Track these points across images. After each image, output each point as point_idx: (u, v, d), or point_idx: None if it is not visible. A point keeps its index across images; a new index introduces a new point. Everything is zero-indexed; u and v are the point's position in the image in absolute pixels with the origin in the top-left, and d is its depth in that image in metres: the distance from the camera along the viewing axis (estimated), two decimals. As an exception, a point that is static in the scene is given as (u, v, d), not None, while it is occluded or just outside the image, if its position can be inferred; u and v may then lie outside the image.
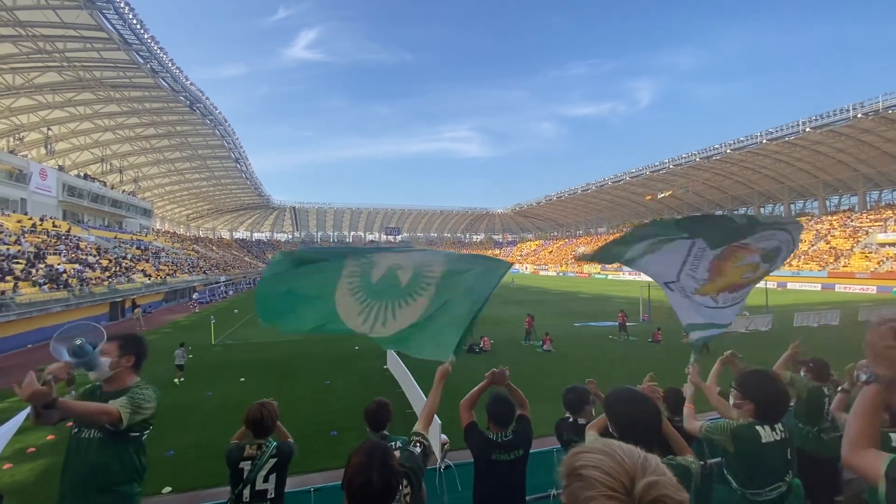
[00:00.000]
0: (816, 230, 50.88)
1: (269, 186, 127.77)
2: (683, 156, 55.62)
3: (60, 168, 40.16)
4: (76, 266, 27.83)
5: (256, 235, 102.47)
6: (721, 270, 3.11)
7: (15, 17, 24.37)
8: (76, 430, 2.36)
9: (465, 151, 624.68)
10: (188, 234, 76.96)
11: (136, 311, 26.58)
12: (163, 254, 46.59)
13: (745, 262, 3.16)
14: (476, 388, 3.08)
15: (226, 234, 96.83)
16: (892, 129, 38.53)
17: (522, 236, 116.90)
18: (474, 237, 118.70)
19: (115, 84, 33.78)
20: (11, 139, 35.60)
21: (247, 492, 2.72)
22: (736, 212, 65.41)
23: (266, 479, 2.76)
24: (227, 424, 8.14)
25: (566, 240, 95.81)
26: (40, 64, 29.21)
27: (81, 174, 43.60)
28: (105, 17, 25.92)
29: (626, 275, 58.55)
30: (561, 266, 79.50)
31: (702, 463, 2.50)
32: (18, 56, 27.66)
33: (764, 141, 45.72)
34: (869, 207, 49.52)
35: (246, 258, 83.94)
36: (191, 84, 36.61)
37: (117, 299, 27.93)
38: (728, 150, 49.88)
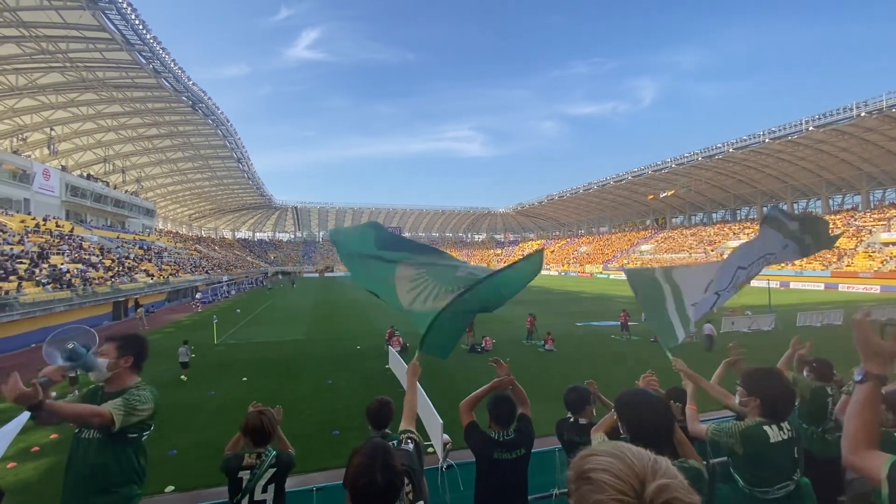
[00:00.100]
0: (819, 229, 50.64)
1: (271, 186, 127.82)
2: (686, 155, 55.46)
3: (63, 168, 40.35)
4: (79, 266, 27.94)
5: (258, 235, 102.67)
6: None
7: (18, 18, 24.48)
8: (77, 431, 2.37)
9: (467, 151, 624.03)
10: (190, 234, 77.21)
11: (138, 310, 26.71)
12: (165, 254, 46.75)
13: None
14: (479, 391, 3.07)
15: (228, 234, 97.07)
16: (895, 127, 38.34)
17: (524, 236, 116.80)
18: (476, 237, 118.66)
19: (117, 84, 33.90)
20: (15, 139, 35.77)
21: (245, 501, 2.68)
22: (731, 213, 65.30)
23: (265, 490, 2.70)
24: (230, 424, 8.16)
25: (568, 239, 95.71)
26: (43, 65, 29.33)
27: (84, 174, 43.77)
28: (108, 17, 26.01)
29: (628, 274, 58.32)
30: (563, 266, 79.44)
31: (704, 463, 2.49)
32: (22, 57, 27.78)
33: (767, 140, 45.54)
34: (872, 206, 49.26)
35: (248, 258, 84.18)
36: (193, 84, 36.71)
37: (120, 299, 28.03)
38: (731, 150, 49.69)
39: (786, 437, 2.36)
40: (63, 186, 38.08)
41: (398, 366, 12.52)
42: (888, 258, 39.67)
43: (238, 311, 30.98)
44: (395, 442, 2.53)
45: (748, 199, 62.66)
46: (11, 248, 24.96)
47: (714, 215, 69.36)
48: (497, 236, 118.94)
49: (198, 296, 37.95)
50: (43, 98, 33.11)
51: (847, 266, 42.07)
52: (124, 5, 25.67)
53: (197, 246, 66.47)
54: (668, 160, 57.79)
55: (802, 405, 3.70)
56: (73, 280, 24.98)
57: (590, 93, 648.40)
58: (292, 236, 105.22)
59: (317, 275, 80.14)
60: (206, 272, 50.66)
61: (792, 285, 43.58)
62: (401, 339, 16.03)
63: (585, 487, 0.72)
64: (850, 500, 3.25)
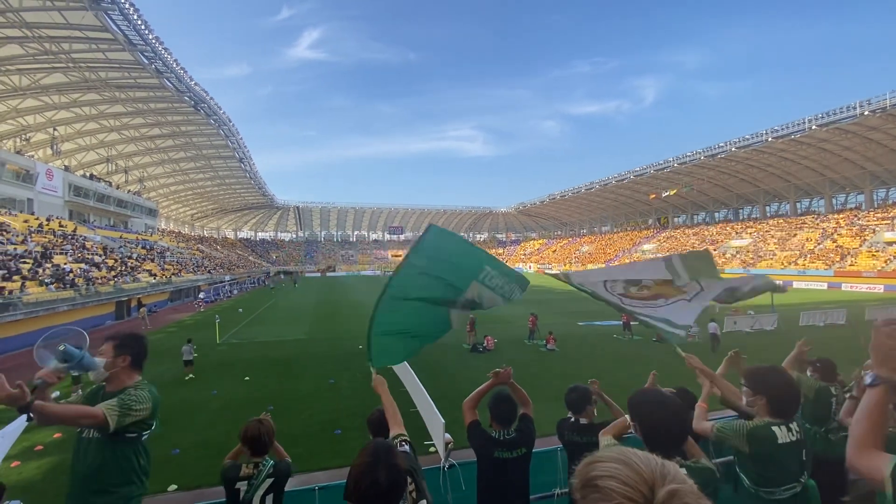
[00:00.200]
0: (823, 229, 50.46)
1: (272, 186, 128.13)
2: (688, 154, 55.26)
3: (66, 168, 40.50)
4: (82, 265, 28.05)
5: (260, 235, 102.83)
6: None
7: (21, 19, 24.56)
8: (79, 431, 2.36)
9: (469, 150, 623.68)
10: (193, 234, 77.39)
11: (141, 310, 26.82)
12: (168, 253, 46.88)
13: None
14: (480, 389, 3.08)
15: (230, 234, 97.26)
16: (899, 126, 38.15)
17: (526, 235, 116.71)
18: (478, 236, 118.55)
19: (120, 84, 33.99)
20: (18, 140, 35.90)
21: None
22: (733, 212, 65.06)
23: (263, 500, 2.67)
24: (232, 424, 8.18)
25: (570, 238, 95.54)
26: (46, 65, 29.43)
27: (87, 174, 43.95)
28: (110, 17, 26.08)
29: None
30: (565, 265, 79.33)
31: None
32: (24, 57, 27.86)
33: (770, 139, 45.35)
34: (876, 206, 49.00)
35: (250, 258, 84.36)
36: (195, 84, 36.77)
37: (123, 299, 28.13)
38: (733, 149, 49.49)
39: (794, 438, 2.34)
40: (66, 186, 38.23)
41: (400, 366, 12.51)
42: (892, 257, 39.47)
43: (240, 310, 31.06)
44: None
45: (751, 198, 62.44)
46: (15, 248, 25.06)
47: (717, 214, 69.16)
48: (499, 236, 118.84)
49: (201, 295, 38.06)
50: (46, 98, 33.23)
51: (850, 265, 41.88)
52: (126, 6, 25.73)
53: (199, 246, 66.65)
54: (671, 159, 57.60)
55: (806, 405, 3.68)
56: (76, 280, 25.08)
57: (591, 92, 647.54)
58: (294, 236, 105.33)
59: (318, 274, 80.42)
60: (209, 272, 50.78)
61: (795, 284, 43.43)
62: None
63: (592, 496, 0.69)
64: (854, 500, 3.24)
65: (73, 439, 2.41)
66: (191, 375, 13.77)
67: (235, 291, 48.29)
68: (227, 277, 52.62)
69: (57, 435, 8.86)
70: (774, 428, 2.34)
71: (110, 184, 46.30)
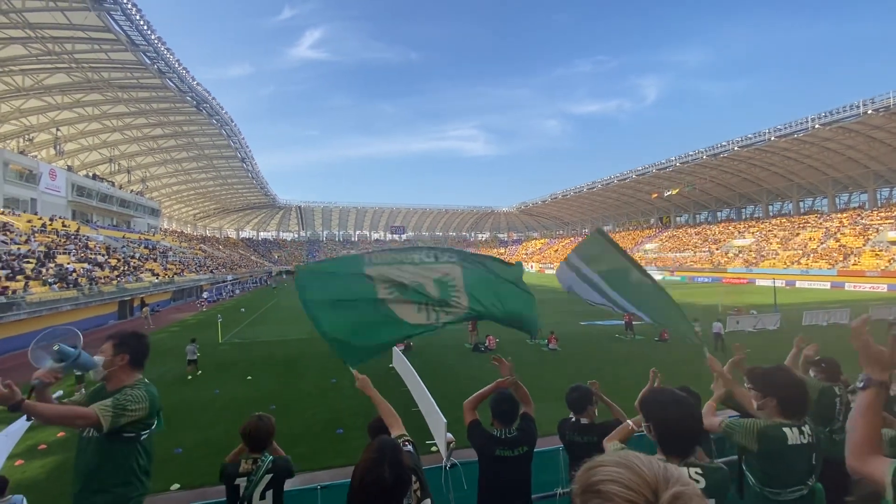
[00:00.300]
0: (826, 228, 50.27)
1: (274, 186, 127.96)
2: (690, 153, 55.12)
3: (69, 168, 40.66)
4: (85, 265, 28.16)
5: (262, 234, 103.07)
6: None
7: (24, 20, 24.67)
8: (81, 430, 2.35)
9: (471, 150, 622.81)
10: (195, 234, 77.62)
11: (144, 309, 26.90)
12: (170, 253, 47.02)
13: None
14: (481, 391, 3.07)
15: (232, 234, 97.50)
16: (903, 125, 37.94)
17: (528, 235, 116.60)
18: (479, 236, 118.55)
19: (122, 85, 34.12)
20: (21, 140, 36.07)
21: None
22: (736, 211, 64.84)
23: (263, 496, 2.65)
24: (235, 423, 8.17)
25: (571, 238, 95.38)
26: (49, 65, 29.57)
27: (90, 174, 44.13)
28: (112, 18, 26.19)
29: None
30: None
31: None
32: (28, 58, 28.00)
33: (772, 138, 45.18)
34: (879, 205, 48.76)
35: (252, 257, 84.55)
36: (197, 84, 36.88)
37: (126, 298, 28.24)
38: (736, 148, 49.34)
39: (805, 441, 2.31)
40: (69, 186, 38.38)
41: (402, 365, 12.53)
42: (895, 257, 39.31)
43: (243, 310, 31.14)
44: None
45: (753, 197, 62.23)
46: (18, 248, 25.17)
47: (719, 214, 68.94)
48: (500, 235, 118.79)
49: (204, 295, 38.17)
50: (49, 99, 33.38)
51: (853, 265, 41.70)
52: (129, 6, 25.81)
53: (202, 245, 66.83)
54: (673, 158, 57.49)
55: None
56: (79, 279, 25.18)
57: (594, 91, 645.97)
58: (296, 236, 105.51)
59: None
60: (211, 271, 50.94)
61: (798, 284, 43.27)
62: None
63: (594, 501, 0.67)
64: (857, 500, 3.23)
65: (75, 438, 2.42)
66: (199, 372, 14.01)
67: (238, 291, 48.44)
68: (230, 277, 52.77)
69: (60, 434, 8.89)
70: (786, 429, 2.32)
71: (113, 184, 46.47)
